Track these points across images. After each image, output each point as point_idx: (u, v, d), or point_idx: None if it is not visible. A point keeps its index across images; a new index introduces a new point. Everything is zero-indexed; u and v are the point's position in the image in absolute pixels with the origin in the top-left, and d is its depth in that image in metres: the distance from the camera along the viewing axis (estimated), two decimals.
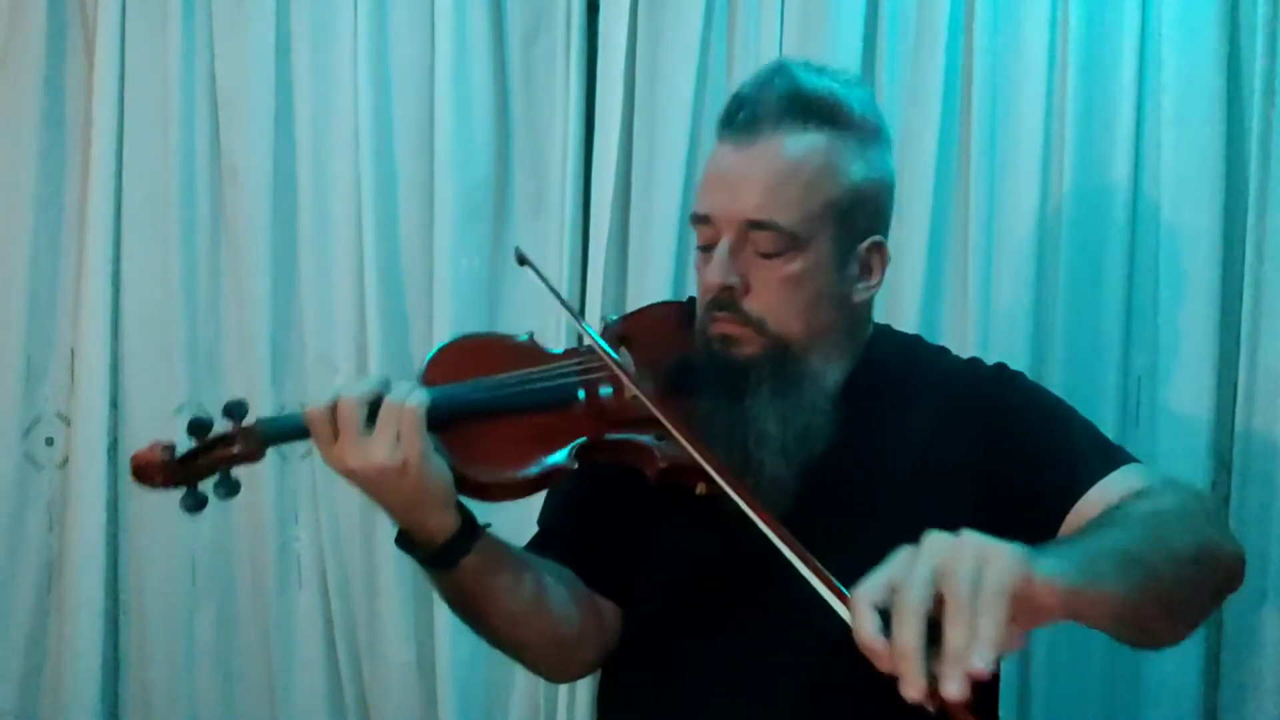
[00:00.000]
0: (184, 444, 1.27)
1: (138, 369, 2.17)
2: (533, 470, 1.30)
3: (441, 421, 1.28)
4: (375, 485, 1.27)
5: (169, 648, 2.18)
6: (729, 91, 1.97)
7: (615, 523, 1.46)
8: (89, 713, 2.14)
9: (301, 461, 2.17)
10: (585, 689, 2.04)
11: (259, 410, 2.09)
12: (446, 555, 1.31)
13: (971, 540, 0.94)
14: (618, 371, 1.32)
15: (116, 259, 2.15)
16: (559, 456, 1.31)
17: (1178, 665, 1.82)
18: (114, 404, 2.16)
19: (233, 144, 2.14)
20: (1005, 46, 1.89)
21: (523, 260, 1.46)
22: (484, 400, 1.32)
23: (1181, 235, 1.84)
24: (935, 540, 0.94)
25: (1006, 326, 1.87)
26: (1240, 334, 1.83)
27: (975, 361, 1.49)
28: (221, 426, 1.28)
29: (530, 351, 1.41)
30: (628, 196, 2.03)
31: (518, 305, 2.13)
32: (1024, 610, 0.92)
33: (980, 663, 0.88)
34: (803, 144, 1.34)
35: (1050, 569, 0.94)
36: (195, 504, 1.28)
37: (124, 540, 2.19)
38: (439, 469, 1.26)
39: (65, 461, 2.19)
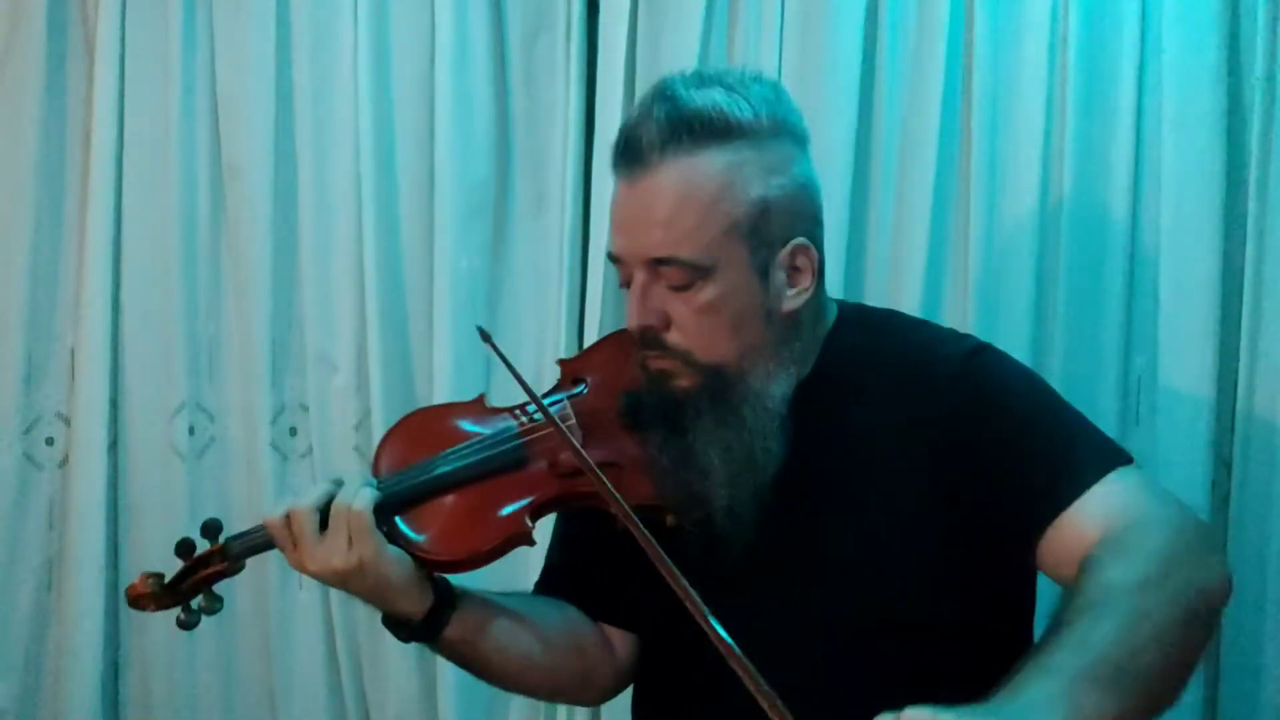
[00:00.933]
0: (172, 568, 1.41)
1: (138, 369, 2.17)
2: (493, 544, 1.34)
3: (396, 508, 1.35)
4: (340, 583, 1.34)
5: (169, 647, 2.18)
6: None
7: (612, 555, 1.40)
8: (89, 712, 2.14)
9: (301, 461, 2.17)
10: None
11: (261, 406, 2.13)
12: (425, 631, 1.37)
13: None
14: (558, 426, 1.29)
15: (116, 259, 2.15)
16: (515, 523, 1.34)
17: None
18: (114, 404, 2.16)
19: (233, 144, 2.14)
20: (1005, 46, 1.89)
21: (485, 337, 1.40)
22: (431, 481, 1.36)
23: (1181, 235, 1.84)
24: None
25: (1006, 326, 1.87)
26: (1240, 333, 1.83)
27: (948, 342, 1.41)
28: (202, 546, 1.40)
29: (478, 416, 1.43)
30: None
31: (518, 305, 2.13)
32: None
33: None
34: (692, 169, 1.29)
35: None
36: (191, 622, 1.41)
37: (124, 540, 2.19)
38: (396, 559, 1.32)
39: (65, 461, 2.19)
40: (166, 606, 1.40)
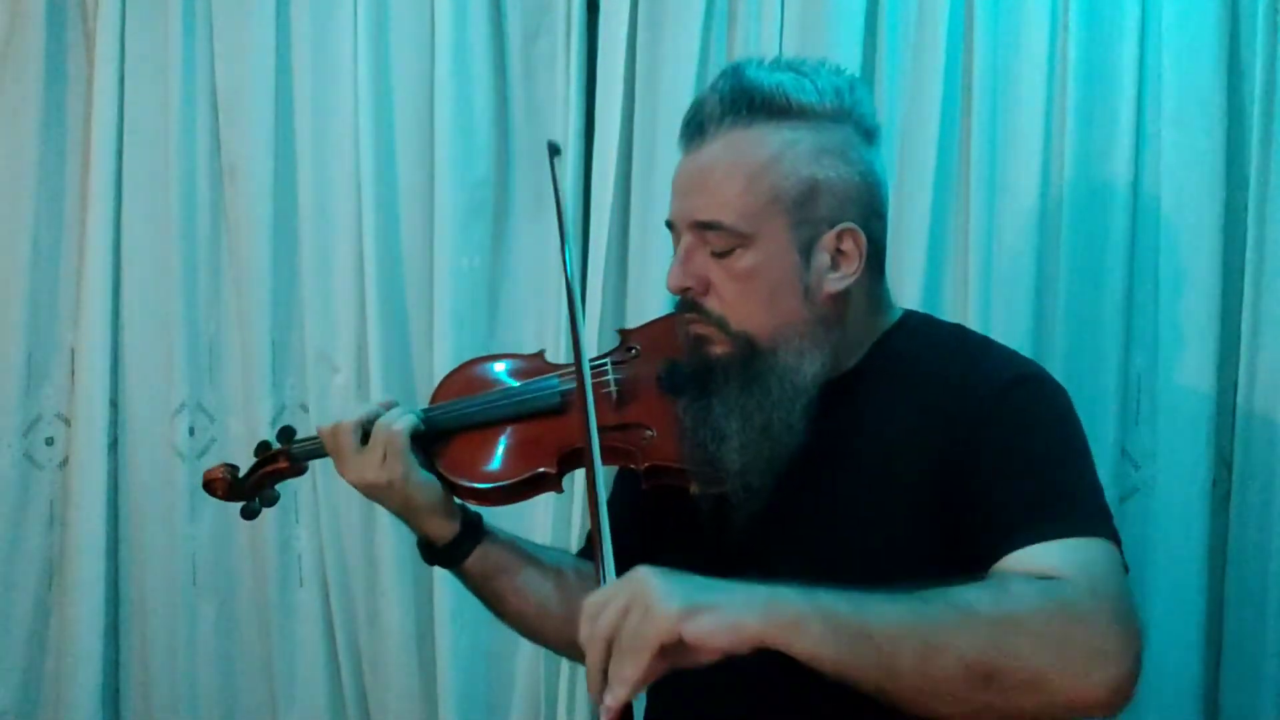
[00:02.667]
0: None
1: (138, 369, 2.17)
2: (515, 477, 1.42)
3: (434, 436, 1.45)
4: (372, 495, 1.46)
5: (169, 647, 2.19)
6: None
7: (643, 525, 1.46)
8: (89, 712, 2.14)
9: None
10: (585, 693, 2.04)
11: (261, 406, 2.13)
12: (448, 557, 1.47)
13: (642, 589, 1.08)
14: (581, 373, 1.33)
15: (116, 259, 2.15)
16: (541, 462, 1.42)
17: (1180, 662, 1.83)
18: (114, 404, 2.17)
19: (233, 144, 2.14)
20: (1005, 46, 1.89)
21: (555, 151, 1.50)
22: (471, 415, 1.46)
23: (1181, 235, 1.84)
24: (627, 582, 1.10)
25: (1007, 326, 1.87)
26: (1240, 332, 1.83)
27: (999, 366, 1.37)
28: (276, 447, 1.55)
29: (532, 367, 1.52)
30: (628, 197, 2.03)
31: (518, 305, 2.13)
32: (677, 651, 1.06)
33: (612, 700, 1.07)
34: (745, 140, 1.33)
35: (709, 623, 1.06)
36: (252, 510, 1.56)
37: (124, 540, 2.19)
38: (425, 483, 1.43)
39: (65, 461, 2.19)
40: (234, 497, 1.55)
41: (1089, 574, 1.19)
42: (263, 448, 1.55)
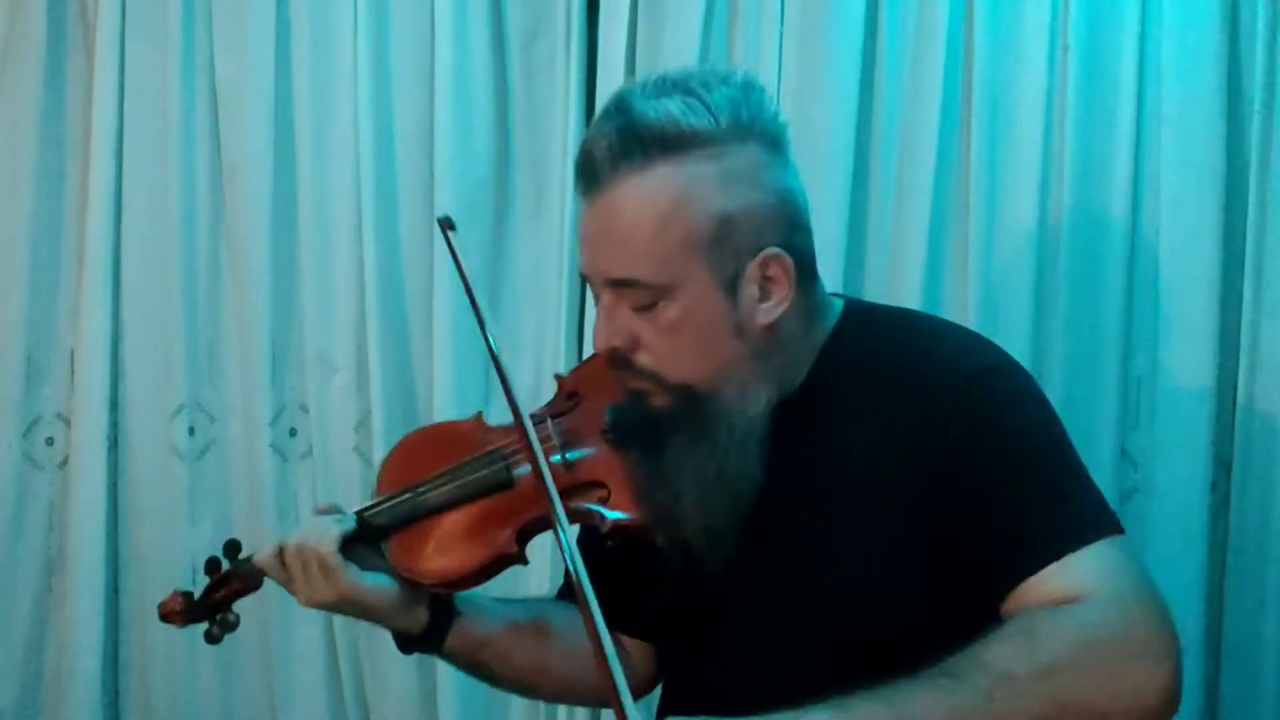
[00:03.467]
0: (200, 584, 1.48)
1: (138, 369, 2.17)
2: (475, 565, 1.35)
3: (379, 534, 1.39)
4: (335, 611, 1.43)
5: (169, 647, 2.18)
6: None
7: (624, 565, 1.39)
8: (89, 712, 2.14)
9: (301, 462, 2.17)
10: None
11: (261, 406, 2.13)
12: (424, 645, 1.41)
13: None
14: (534, 447, 1.27)
15: (116, 259, 2.15)
16: (501, 543, 1.34)
17: None
18: (114, 404, 2.16)
19: (233, 144, 2.14)
20: (1005, 46, 1.89)
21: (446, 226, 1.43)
22: (415, 506, 1.38)
23: (1181, 235, 1.84)
24: None
25: (1006, 327, 1.87)
26: (1240, 333, 1.83)
27: (956, 356, 1.31)
28: (225, 566, 1.47)
29: (474, 436, 1.43)
30: None
31: (518, 305, 2.13)
32: None
33: None
34: (643, 187, 1.23)
35: None
36: (216, 636, 1.48)
37: (124, 540, 2.19)
38: (376, 589, 1.36)
39: (65, 461, 2.19)
40: (194, 622, 1.48)
41: (1110, 585, 1.16)
42: (212, 566, 1.47)
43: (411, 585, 1.37)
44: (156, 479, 2.17)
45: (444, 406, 2.04)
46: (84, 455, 2.14)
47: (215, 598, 1.47)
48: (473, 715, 2.10)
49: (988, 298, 1.90)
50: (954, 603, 1.23)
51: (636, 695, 1.51)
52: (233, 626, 1.48)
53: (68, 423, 2.19)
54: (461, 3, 2.05)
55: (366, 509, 1.40)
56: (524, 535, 1.35)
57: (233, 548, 1.47)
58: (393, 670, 2.12)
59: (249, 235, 2.13)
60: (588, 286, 1.35)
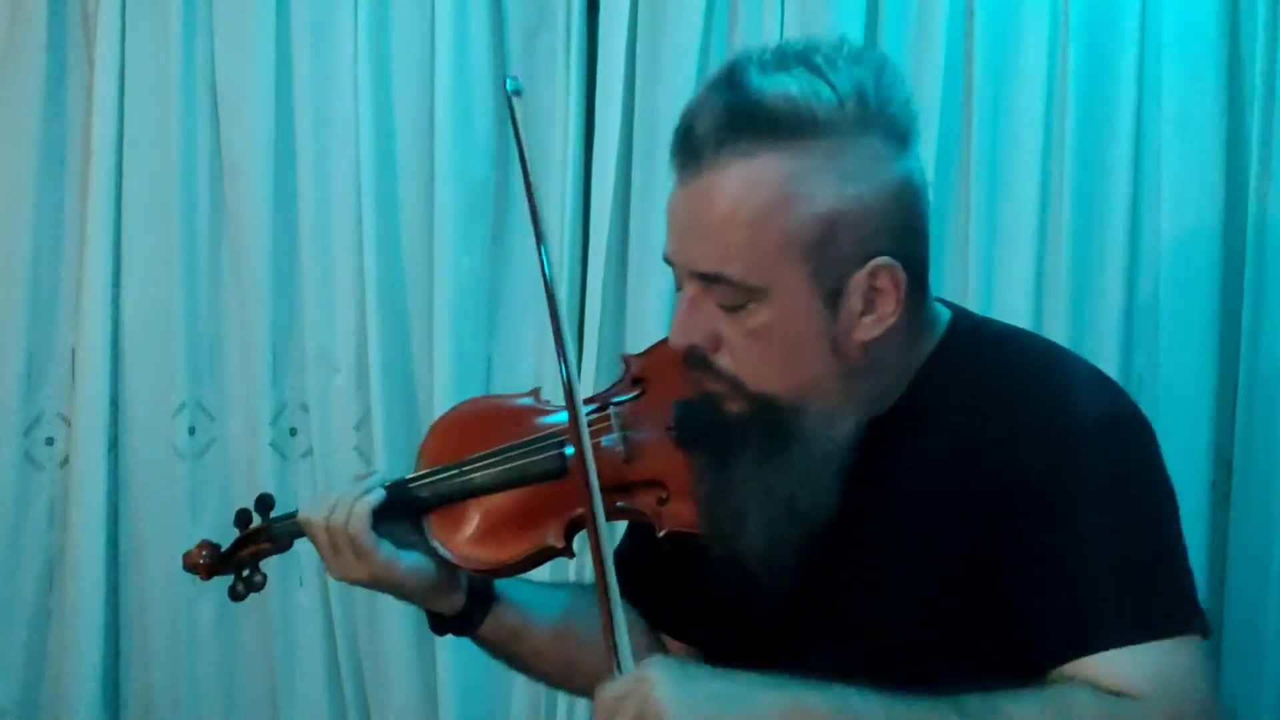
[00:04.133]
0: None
1: (138, 369, 2.17)
2: (520, 556, 1.28)
3: (421, 508, 1.31)
4: (369, 588, 1.32)
5: (169, 647, 2.18)
6: None
7: (672, 565, 1.31)
8: (90, 711, 2.14)
9: (301, 461, 2.17)
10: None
11: (261, 406, 2.13)
12: (457, 628, 1.35)
13: (651, 699, 1.03)
14: (584, 439, 1.16)
15: (116, 259, 2.15)
16: (547, 537, 1.27)
17: None
18: (114, 404, 2.17)
19: (233, 144, 2.14)
20: (1005, 46, 1.89)
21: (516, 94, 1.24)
22: (462, 484, 1.31)
23: (1181, 235, 1.84)
24: (638, 684, 1.05)
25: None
26: (1240, 333, 1.83)
27: (1065, 400, 1.17)
28: (255, 521, 1.41)
29: (529, 416, 1.35)
30: (628, 197, 2.03)
31: (518, 305, 2.13)
32: None
33: None
34: (747, 174, 1.10)
35: None
36: (240, 593, 1.43)
37: (124, 540, 2.19)
38: (410, 569, 1.29)
39: (65, 461, 2.19)
40: (220, 574, 1.43)
41: (1170, 694, 1.06)
42: (242, 519, 1.42)
43: (449, 566, 1.31)
44: (156, 479, 2.18)
45: (444, 407, 2.03)
46: (84, 455, 2.14)
47: (242, 554, 1.42)
48: (473, 715, 2.10)
49: (988, 297, 1.90)
50: (999, 663, 1.12)
51: None
52: (258, 587, 1.43)
53: (68, 422, 2.19)
54: (461, 2, 2.05)
55: (409, 480, 1.33)
56: (572, 530, 1.27)
57: (264, 503, 1.41)
58: (393, 670, 2.12)
59: (249, 235, 2.13)
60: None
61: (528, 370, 2.11)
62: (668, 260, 1.19)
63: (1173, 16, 1.83)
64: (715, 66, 1.96)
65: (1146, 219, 1.87)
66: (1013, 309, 1.88)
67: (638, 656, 1.16)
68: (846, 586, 1.20)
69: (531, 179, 1.23)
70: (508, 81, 1.21)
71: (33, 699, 2.20)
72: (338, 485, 2.08)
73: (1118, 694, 1.05)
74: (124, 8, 2.12)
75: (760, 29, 1.96)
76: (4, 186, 2.16)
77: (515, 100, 1.19)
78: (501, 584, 1.35)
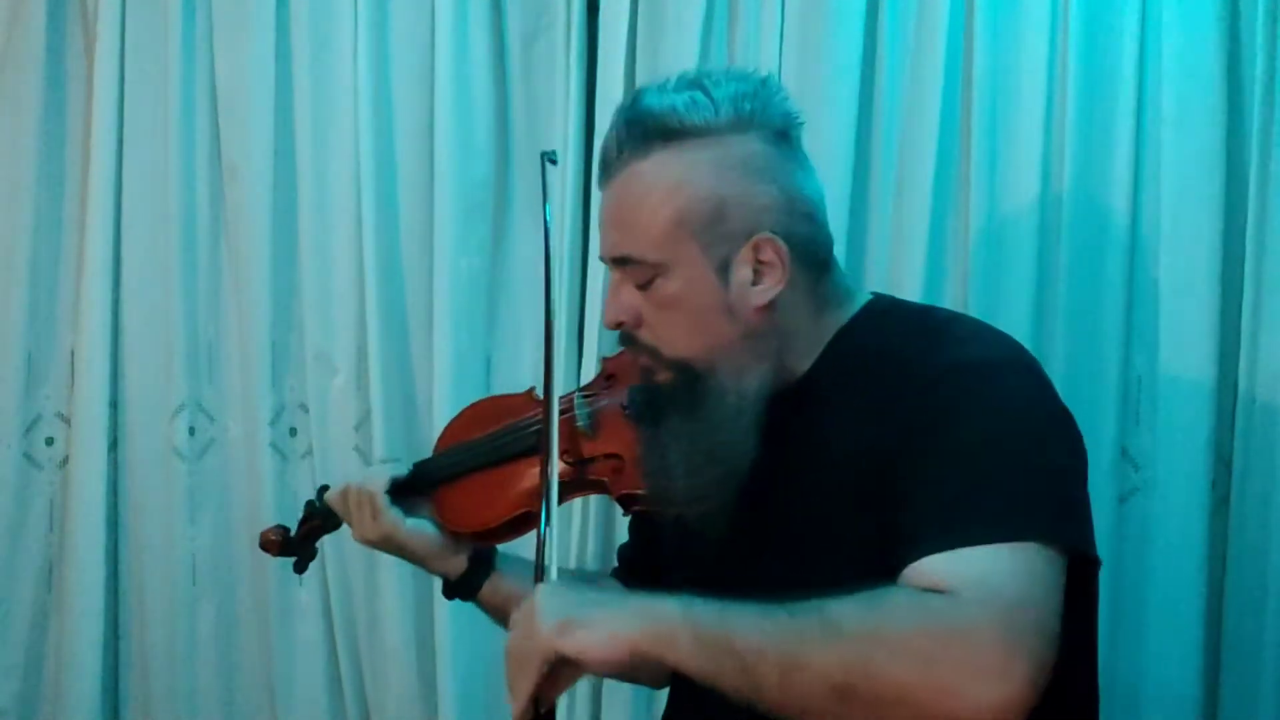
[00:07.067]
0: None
1: (138, 369, 2.17)
2: (500, 521, 1.50)
3: (428, 485, 1.58)
4: (381, 549, 1.60)
5: (169, 647, 2.19)
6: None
7: (657, 552, 1.51)
8: (89, 711, 2.14)
9: (301, 461, 2.17)
10: (585, 693, 2.04)
11: (261, 406, 2.13)
12: (458, 591, 1.58)
13: (529, 608, 1.18)
14: (550, 415, 1.38)
15: (116, 259, 2.15)
16: (523, 504, 1.49)
17: (1178, 665, 1.82)
18: (114, 404, 2.17)
19: (233, 144, 2.14)
20: (1005, 46, 1.89)
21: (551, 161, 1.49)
22: (457, 464, 1.57)
23: (1181, 235, 1.84)
24: (527, 601, 1.20)
25: (1006, 326, 1.84)
26: (1240, 332, 1.83)
27: (953, 346, 1.31)
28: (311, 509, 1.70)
29: (522, 407, 1.58)
30: None
31: (518, 305, 2.13)
32: (566, 663, 1.15)
33: (514, 710, 1.19)
34: (644, 170, 1.32)
35: (583, 638, 1.13)
36: (301, 566, 1.73)
37: (124, 540, 2.20)
38: (417, 532, 1.56)
39: (65, 461, 2.19)
40: (286, 554, 1.71)
41: (983, 585, 1.11)
42: (308, 505, 1.70)
43: (452, 534, 1.55)
44: (156, 479, 2.18)
45: (444, 406, 2.04)
46: (84, 455, 2.15)
47: (303, 532, 1.69)
48: (473, 715, 2.10)
49: (987, 297, 1.89)
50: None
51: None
52: (313, 557, 1.72)
53: (68, 422, 2.19)
54: (461, 3, 2.05)
55: (421, 462, 1.59)
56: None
57: (322, 490, 1.66)
58: (393, 670, 2.12)
59: (249, 235, 2.13)
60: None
61: (527, 370, 2.11)
62: (601, 259, 1.41)
63: (1173, 16, 1.83)
64: (715, 66, 1.99)
65: (1146, 218, 1.87)
66: (1013, 309, 1.88)
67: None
68: (775, 528, 1.36)
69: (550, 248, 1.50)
70: (546, 153, 1.46)
71: (33, 699, 2.20)
72: (338, 485, 2.11)
73: (937, 589, 1.12)
74: (124, 8, 2.12)
75: (760, 29, 1.96)
76: (4, 186, 2.17)
77: (549, 166, 1.44)
78: (506, 558, 1.58)
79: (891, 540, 1.18)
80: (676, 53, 1.98)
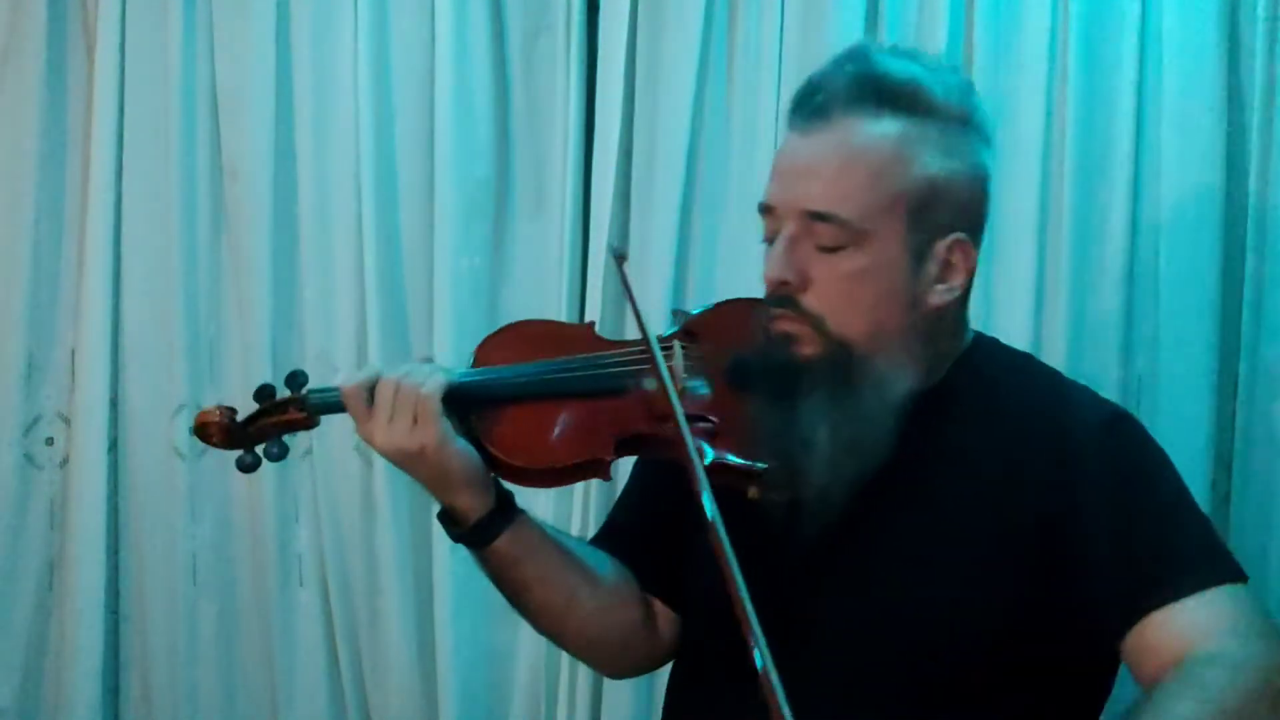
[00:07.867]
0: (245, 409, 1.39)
1: (138, 369, 2.17)
2: (567, 459, 1.32)
3: (476, 403, 1.32)
4: (401, 463, 1.30)
5: (169, 647, 2.18)
6: (729, 92, 2.00)
7: (676, 526, 1.37)
8: (89, 711, 2.14)
9: (301, 461, 2.17)
10: (585, 693, 2.04)
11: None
12: (476, 536, 1.33)
13: None
14: (658, 363, 1.24)
15: (116, 259, 2.15)
16: (598, 448, 1.31)
17: None
18: (114, 404, 2.17)
19: (233, 144, 2.14)
20: (1005, 46, 1.89)
21: (620, 258, 1.47)
22: (523, 385, 1.34)
23: (1181, 234, 1.84)
24: None
25: (1007, 327, 1.87)
26: (1240, 334, 1.83)
27: (1086, 405, 1.33)
28: (282, 393, 1.37)
29: (587, 339, 1.42)
30: (628, 196, 2.03)
31: (518, 305, 2.13)
32: None
33: None
34: (872, 131, 1.24)
35: None
36: (250, 463, 1.38)
37: (124, 540, 2.19)
38: (461, 453, 1.29)
39: (65, 461, 2.19)
40: (231, 445, 1.39)
41: (1250, 621, 1.21)
42: (265, 392, 1.38)
43: (493, 464, 1.32)
44: (156, 479, 2.18)
45: None
46: (84, 455, 2.15)
47: (264, 423, 1.37)
48: (473, 715, 2.10)
49: (988, 297, 1.89)
50: (1041, 648, 1.25)
51: (651, 668, 1.50)
52: (276, 458, 1.39)
53: (68, 423, 2.19)
54: (461, 3, 2.05)
55: (472, 376, 1.34)
56: (621, 446, 1.32)
57: (296, 379, 1.37)
58: (393, 670, 2.12)
59: (249, 235, 2.13)
60: (763, 221, 1.31)
61: None
62: (766, 206, 1.29)
63: (1173, 15, 1.83)
64: (715, 67, 1.99)
65: (1146, 218, 1.87)
66: (1012, 309, 1.88)
67: (625, 616, 1.37)
68: (885, 539, 1.27)
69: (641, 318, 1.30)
70: (611, 248, 1.41)
71: (33, 699, 2.20)
72: (338, 485, 2.11)
73: (1202, 637, 1.17)
74: (124, 8, 2.12)
75: (760, 29, 1.96)
76: (4, 186, 2.17)
77: (623, 265, 1.36)
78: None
79: (1073, 597, 1.22)
80: (676, 53, 1.98)
